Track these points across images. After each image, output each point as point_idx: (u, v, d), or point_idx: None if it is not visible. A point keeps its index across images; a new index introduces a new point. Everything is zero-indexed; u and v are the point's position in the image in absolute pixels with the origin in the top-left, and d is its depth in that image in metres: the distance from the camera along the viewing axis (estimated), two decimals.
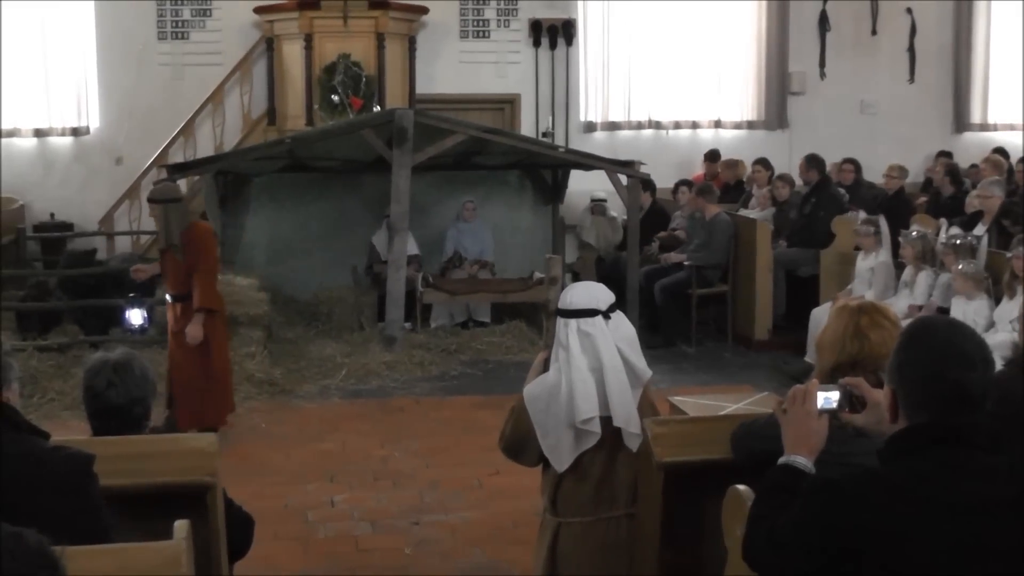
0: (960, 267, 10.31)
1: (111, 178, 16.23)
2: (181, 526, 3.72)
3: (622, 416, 4.81)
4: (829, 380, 3.73)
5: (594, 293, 4.98)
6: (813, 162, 13.96)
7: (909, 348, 3.14)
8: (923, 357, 3.09)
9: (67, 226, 15.85)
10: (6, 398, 3.80)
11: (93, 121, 16.57)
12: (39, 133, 16.42)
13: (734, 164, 16.72)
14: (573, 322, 4.88)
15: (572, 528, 4.97)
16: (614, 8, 17.45)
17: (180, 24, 16.55)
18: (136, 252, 15.37)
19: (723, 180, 16.49)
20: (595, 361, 4.82)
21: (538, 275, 13.23)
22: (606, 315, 4.90)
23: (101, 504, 3.77)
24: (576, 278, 14.97)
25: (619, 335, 4.90)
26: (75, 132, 16.53)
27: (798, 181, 14.53)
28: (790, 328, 13.02)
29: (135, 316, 11.01)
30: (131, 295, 11.59)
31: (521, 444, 5.00)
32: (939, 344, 3.09)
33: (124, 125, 16.49)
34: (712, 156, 16.95)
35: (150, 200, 9.80)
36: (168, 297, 9.85)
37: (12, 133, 16.30)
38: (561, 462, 4.89)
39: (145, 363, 4.77)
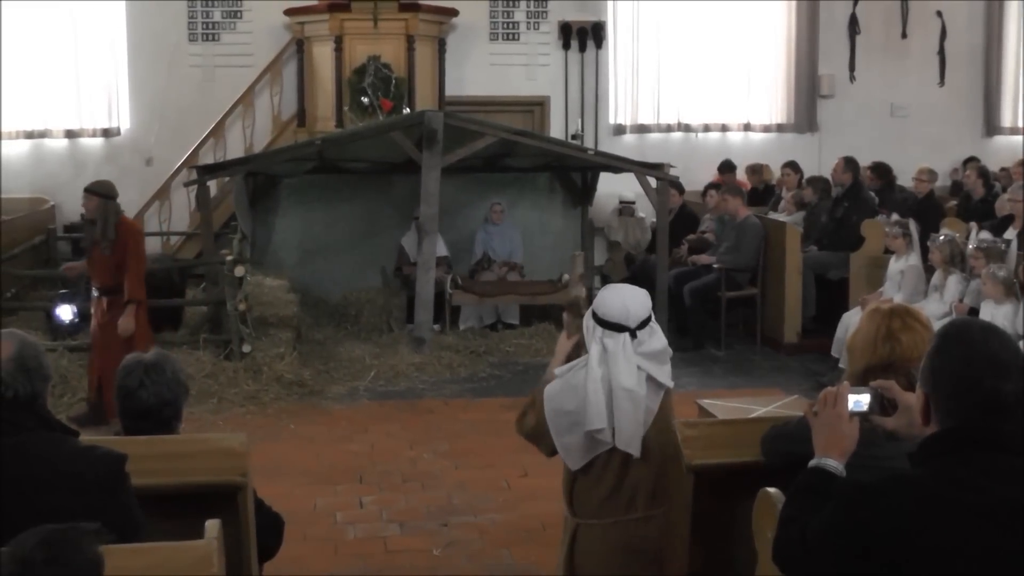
0: (989, 271, 10.26)
1: (141, 179, 16.29)
2: (212, 525, 3.74)
3: (624, 439, 4.76)
4: (860, 383, 3.71)
5: (628, 307, 4.83)
6: (850, 164, 13.90)
7: (943, 353, 3.12)
8: (957, 363, 3.07)
9: None
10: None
11: (124, 122, 16.66)
12: (70, 134, 16.52)
13: (759, 169, 16.69)
14: (599, 330, 4.81)
15: (591, 530, 4.96)
16: (644, 11, 17.46)
17: (211, 26, 16.62)
18: (166, 253, 15.44)
19: (750, 185, 16.50)
20: (608, 375, 4.78)
21: (567, 277, 13.22)
22: (633, 333, 4.84)
23: (134, 503, 3.79)
24: (605, 281, 14.99)
25: (643, 350, 4.83)
26: (106, 133, 16.62)
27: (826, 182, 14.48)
28: (820, 331, 12.96)
29: (65, 312, 11.18)
30: (62, 292, 11.72)
31: (538, 434, 4.99)
32: (974, 350, 3.07)
33: (155, 126, 16.56)
34: (725, 167, 16.82)
35: (90, 192, 10.10)
36: (95, 291, 10.27)
37: (44, 134, 16.42)
38: (575, 462, 4.88)
39: (178, 365, 4.79)
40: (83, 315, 11.51)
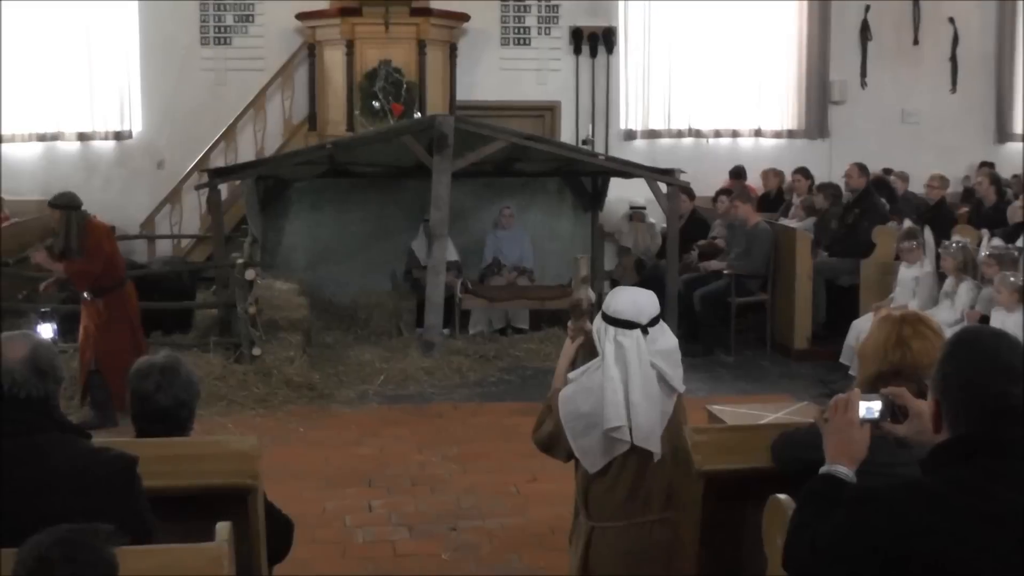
0: (1001, 278, 10.23)
1: (153, 182, 16.34)
2: (223, 528, 3.75)
3: (642, 435, 4.78)
4: (871, 389, 3.71)
5: (639, 304, 4.90)
6: (863, 171, 13.86)
7: (954, 359, 3.12)
8: (968, 369, 3.07)
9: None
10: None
11: (136, 125, 16.70)
12: (82, 137, 16.56)
13: (779, 173, 16.67)
14: (611, 329, 4.84)
15: (605, 533, 4.96)
16: (655, 16, 17.47)
17: (223, 29, 16.64)
18: (177, 256, 15.47)
19: (763, 190, 16.50)
20: (624, 374, 4.80)
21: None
22: (645, 329, 4.87)
23: (145, 505, 3.80)
24: (615, 286, 14.97)
25: (656, 348, 4.86)
26: (118, 136, 16.66)
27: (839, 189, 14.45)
28: (830, 338, 12.95)
29: (46, 331, 11.23)
30: (43, 310, 11.78)
31: (553, 440, 5.00)
32: (985, 356, 3.07)
33: (166, 129, 16.60)
34: (736, 173, 16.86)
35: (53, 205, 10.38)
36: (85, 295, 10.42)
37: (56, 136, 16.45)
38: (593, 464, 4.88)
39: (189, 367, 4.80)
40: (65, 330, 11.58)
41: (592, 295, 5.56)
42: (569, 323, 5.44)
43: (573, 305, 5.44)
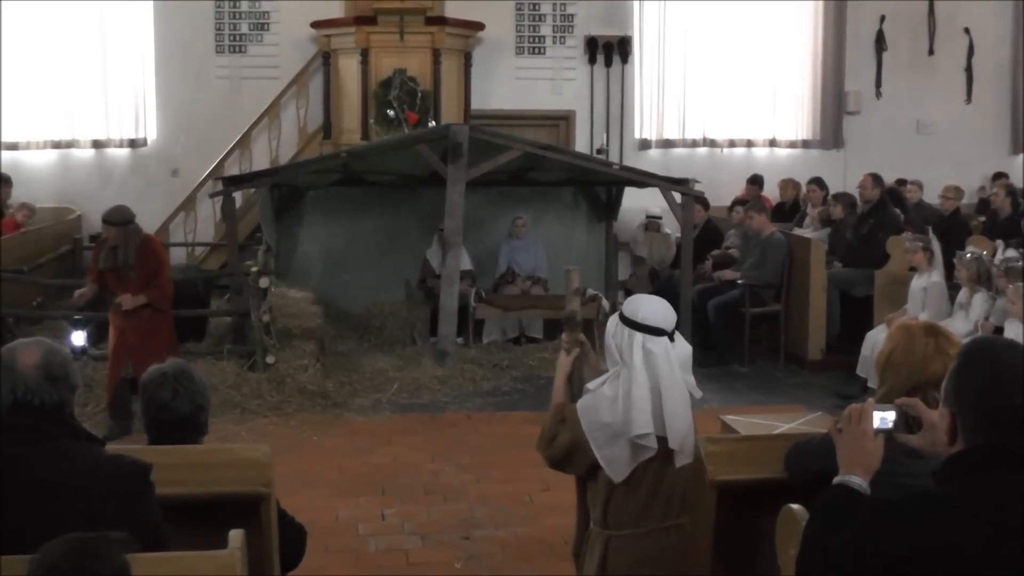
0: (1013, 289, 10.19)
1: (167, 189, 16.37)
2: (236, 535, 3.74)
3: (677, 440, 4.78)
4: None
5: (666, 312, 4.92)
6: (878, 181, 13.84)
7: (968, 370, 3.11)
8: (982, 380, 3.06)
9: None
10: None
11: (150, 133, 16.75)
12: (97, 144, 16.60)
13: (796, 185, 16.65)
14: (639, 336, 4.83)
15: (623, 541, 4.95)
16: (670, 26, 17.48)
17: (238, 38, 16.69)
18: (191, 263, 15.49)
19: (778, 200, 16.48)
20: (655, 381, 4.78)
21: (591, 292, 13.21)
22: (671, 336, 4.88)
23: (158, 512, 3.80)
24: (629, 295, 14.95)
25: (680, 354, 4.89)
26: (132, 144, 16.71)
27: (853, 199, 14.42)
28: (844, 348, 12.91)
29: (78, 338, 11.27)
30: (75, 318, 11.81)
31: (570, 453, 4.98)
32: (999, 368, 3.05)
33: (181, 137, 16.63)
34: (754, 180, 16.88)
35: (109, 222, 10.34)
36: (122, 303, 10.38)
37: (71, 144, 16.50)
38: (619, 474, 4.86)
39: (198, 371, 4.84)
40: (95, 337, 11.61)
41: (607, 305, 5.56)
42: (563, 336, 5.44)
43: (567, 317, 5.43)
